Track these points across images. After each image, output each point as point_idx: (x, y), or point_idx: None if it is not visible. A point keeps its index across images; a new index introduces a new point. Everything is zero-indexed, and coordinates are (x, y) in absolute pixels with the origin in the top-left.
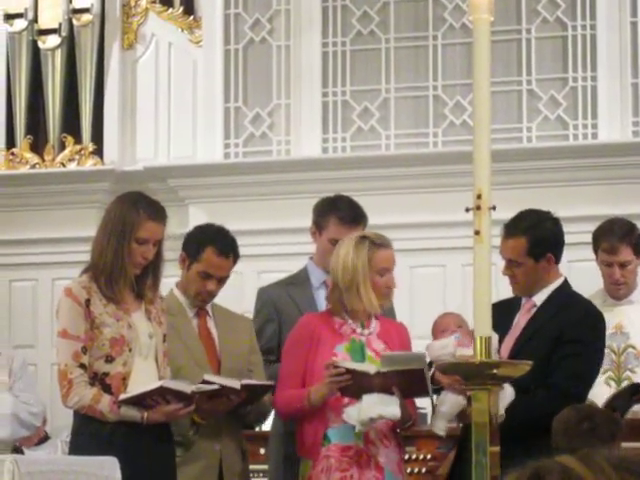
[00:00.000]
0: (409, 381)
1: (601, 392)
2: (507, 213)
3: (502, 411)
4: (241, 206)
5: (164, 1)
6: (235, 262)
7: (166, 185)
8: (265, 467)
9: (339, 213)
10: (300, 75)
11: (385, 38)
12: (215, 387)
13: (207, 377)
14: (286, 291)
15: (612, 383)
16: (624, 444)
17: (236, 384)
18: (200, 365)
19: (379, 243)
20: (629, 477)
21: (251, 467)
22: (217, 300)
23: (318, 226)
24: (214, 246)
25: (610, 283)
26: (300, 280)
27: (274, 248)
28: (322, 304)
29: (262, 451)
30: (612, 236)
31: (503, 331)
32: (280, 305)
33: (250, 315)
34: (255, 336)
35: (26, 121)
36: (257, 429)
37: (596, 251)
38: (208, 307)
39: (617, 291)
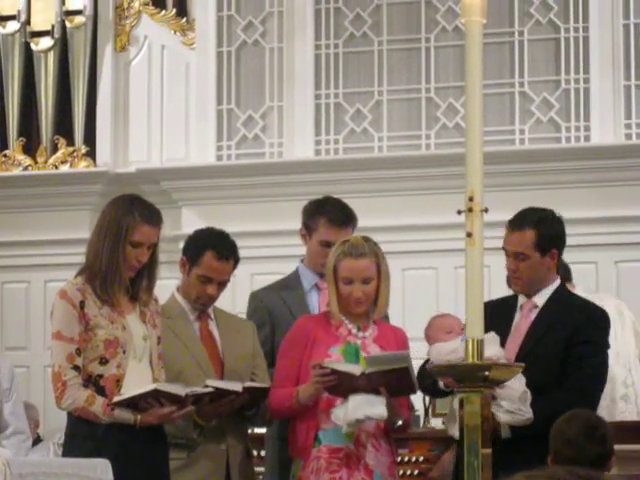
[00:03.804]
0: (395, 380)
1: None
2: (499, 215)
3: (531, 414)
4: (234, 208)
5: (157, 3)
6: (235, 266)
7: (159, 187)
8: (261, 469)
9: (328, 215)
10: (293, 77)
11: (378, 40)
12: (209, 390)
13: (209, 382)
14: (278, 295)
15: None
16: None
17: (238, 387)
18: (203, 368)
19: (348, 252)
20: None
21: None
22: None
23: (308, 228)
24: (214, 250)
25: None
26: (292, 283)
27: (267, 250)
28: (314, 307)
29: (257, 453)
30: None
31: (501, 332)
32: (273, 309)
33: (243, 317)
34: (257, 339)
35: (19, 123)
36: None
37: None
38: (210, 310)
39: None
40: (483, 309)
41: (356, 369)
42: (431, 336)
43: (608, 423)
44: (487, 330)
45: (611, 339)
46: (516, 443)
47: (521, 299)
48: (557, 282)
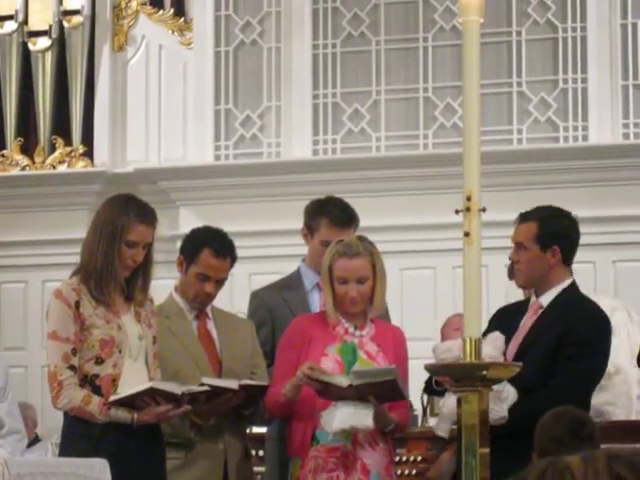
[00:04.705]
0: (383, 390)
1: None
2: (497, 215)
3: (505, 413)
4: (232, 208)
5: (155, 3)
6: (232, 264)
7: (157, 187)
8: (260, 469)
9: (330, 215)
10: (290, 77)
11: (375, 40)
12: (205, 388)
13: (205, 380)
14: (279, 294)
15: None
16: (614, 445)
17: (234, 384)
18: (200, 367)
19: (342, 252)
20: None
21: None
22: None
23: (310, 228)
24: (211, 247)
25: None
26: (293, 283)
27: (265, 250)
28: (315, 306)
29: (256, 453)
30: None
31: (510, 333)
32: (274, 308)
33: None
34: (257, 339)
35: (16, 123)
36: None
37: None
38: (208, 310)
39: None
40: (499, 309)
41: (343, 381)
42: (443, 334)
43: (625, 421)
44: (502, 331)
45: (623, 338)
46: (495, 442)
47: (532, 300)
48: (567, 282)
